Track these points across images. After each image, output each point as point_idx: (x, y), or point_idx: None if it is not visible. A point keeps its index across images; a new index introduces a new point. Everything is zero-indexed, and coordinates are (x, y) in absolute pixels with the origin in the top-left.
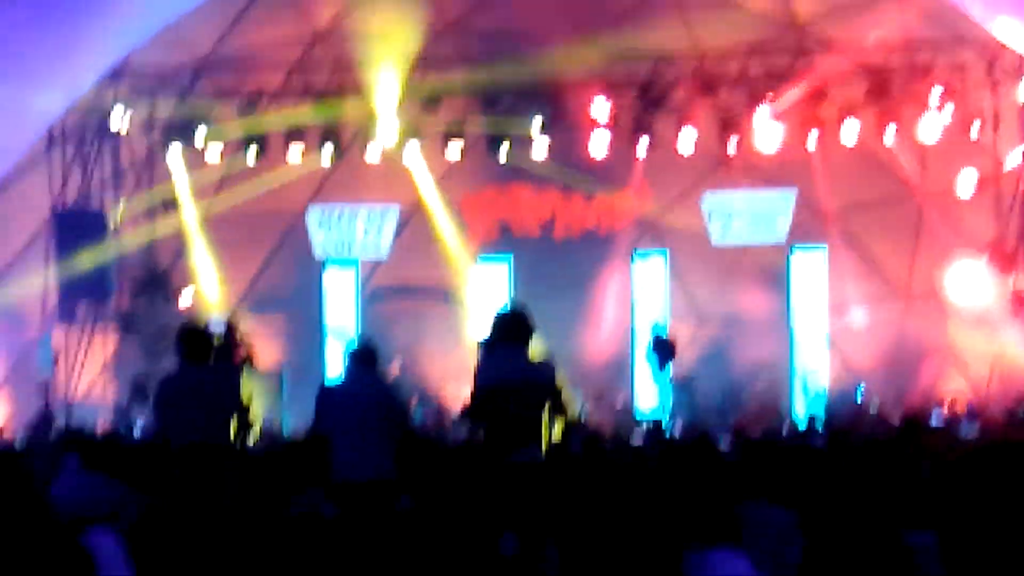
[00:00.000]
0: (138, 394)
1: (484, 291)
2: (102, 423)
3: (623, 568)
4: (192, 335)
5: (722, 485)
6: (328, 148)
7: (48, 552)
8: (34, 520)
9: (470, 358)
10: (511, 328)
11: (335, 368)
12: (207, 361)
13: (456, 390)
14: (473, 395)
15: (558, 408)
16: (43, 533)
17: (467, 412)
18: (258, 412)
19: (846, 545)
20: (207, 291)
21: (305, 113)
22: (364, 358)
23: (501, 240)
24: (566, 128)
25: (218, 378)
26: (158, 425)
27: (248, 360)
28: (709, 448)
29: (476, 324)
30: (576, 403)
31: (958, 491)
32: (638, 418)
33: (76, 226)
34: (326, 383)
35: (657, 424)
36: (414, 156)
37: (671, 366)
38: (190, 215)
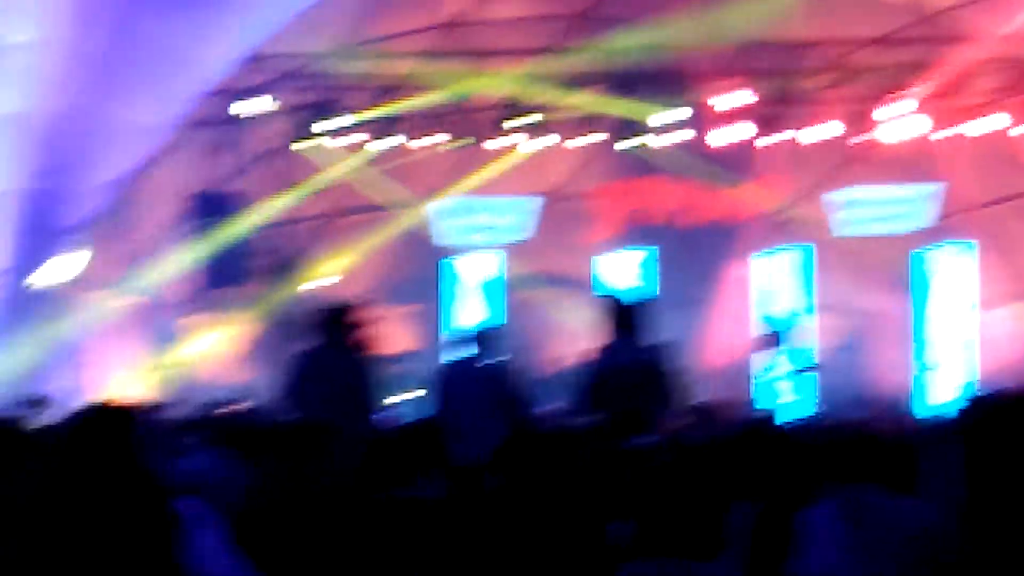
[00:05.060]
0: (268, 377)
1: (614, 280)
2: (233, 404)
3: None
4: (321, 317)
5: (832, 464)
6: (461, 136)
7: (135, 507)
8: (126, 476)
9: (594, 345)
10: (627, 315)
11: (455, 353)
12: (334, 343)
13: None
14: (589, 381)
15: (674, 394)
16: (134, 490)
17: (584, 398)
18: (381, 396)
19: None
20: (337, 277)
21: (439, 101)
22: (483, 342)
23: (632, 230)
24: (697, 118)
25: (344, 360)
26: (284, 405)
27: (373, 345)
28: (826, 431)
29: (601, 312)
30: (694, 390)
31: None
32: (760, 408)
33: (213, 211)
34: (444, 365)
35: (778, 415)
36: (546, 145)
37: (798, 358)
38: (322, 201)
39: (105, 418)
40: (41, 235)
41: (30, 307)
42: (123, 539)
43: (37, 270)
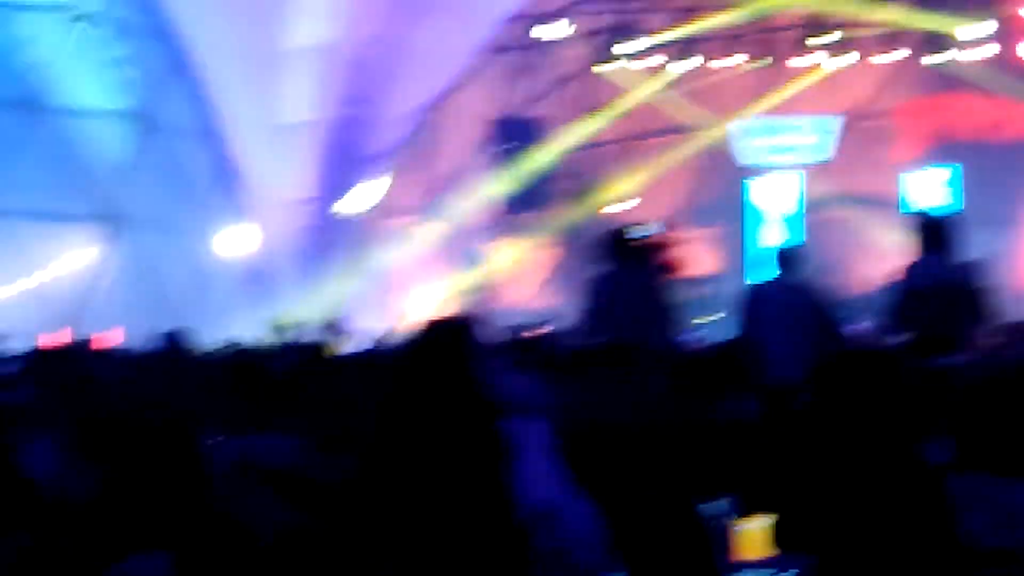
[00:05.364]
0: (570, 300)
1: (920, 198)
2: (538, 327)
3: None
4: (623, 239)
5: None
6: (762, 55)
7: (475, 424)
8: (469, 393)
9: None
10: (936, 233)
11: (761, 274)
12: (635, 265)
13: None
14: (899, 300)
15: (985, 313)
16: (466, 406)
17: (893, 317)
18: (683, 317)
19: None
20: (638, 200)
21: (739, 20)
22: (790, 262)
23: (938, 147)
24: (1006, 31)
25: (646, 282)
26: (587, 327)
27: (675, 267)
28: None
29: (909, 230)
30: (1006, 309)
31: None
32: None
33: (514, 136)
34: (753, 285)
35: None
36: (849, 62)
37: None
38: (623, 124)
39: (451, 332)
40: (347, 163)
41: (337, 234)
42: (462, 456)
43: (344, 197)
